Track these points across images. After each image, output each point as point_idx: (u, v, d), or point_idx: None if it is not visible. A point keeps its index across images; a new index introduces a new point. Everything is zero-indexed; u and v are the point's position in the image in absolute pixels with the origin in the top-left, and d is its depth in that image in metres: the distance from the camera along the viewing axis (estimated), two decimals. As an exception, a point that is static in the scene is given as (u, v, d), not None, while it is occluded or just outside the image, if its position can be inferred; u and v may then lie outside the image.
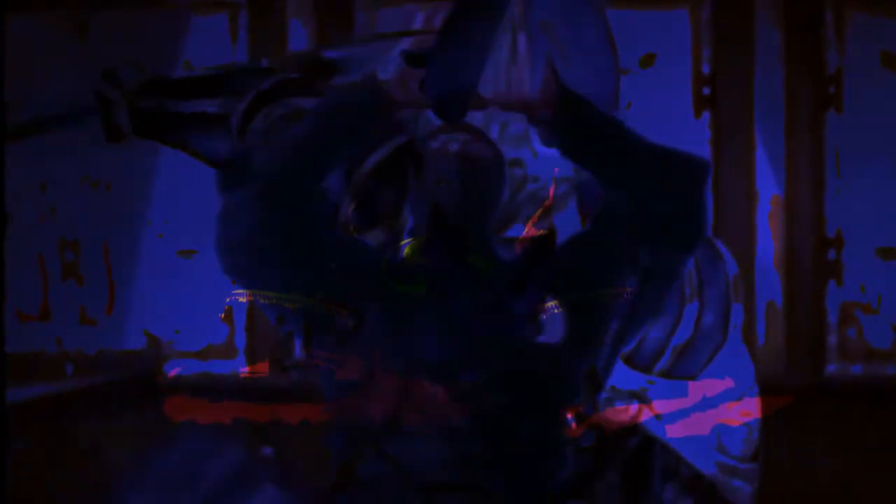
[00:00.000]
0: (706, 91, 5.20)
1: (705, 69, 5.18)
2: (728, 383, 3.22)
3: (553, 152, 3.04)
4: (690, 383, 3.17)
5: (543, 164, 3.16)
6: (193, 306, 5.09)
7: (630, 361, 3.17)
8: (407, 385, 2.70)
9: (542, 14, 2.96)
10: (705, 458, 3.18)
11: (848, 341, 5.11)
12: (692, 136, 5.06)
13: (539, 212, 3.16)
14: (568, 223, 3.14)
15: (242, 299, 3.45)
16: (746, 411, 3.21)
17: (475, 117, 3.01)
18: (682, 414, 3.20)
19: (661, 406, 3.18)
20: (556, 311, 2.73)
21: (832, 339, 5.12)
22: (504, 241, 2.97)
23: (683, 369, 3.21)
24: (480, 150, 2.78)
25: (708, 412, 3.18)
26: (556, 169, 3.19)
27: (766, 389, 5.02)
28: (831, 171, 5.15)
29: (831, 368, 5.11)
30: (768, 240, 5.15)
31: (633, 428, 3.18)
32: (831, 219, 5.18)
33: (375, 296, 2.75)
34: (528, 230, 3.14)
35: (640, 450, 3.18)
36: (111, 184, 5.19)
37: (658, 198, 2.69)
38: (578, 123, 2.76)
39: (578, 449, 3.09)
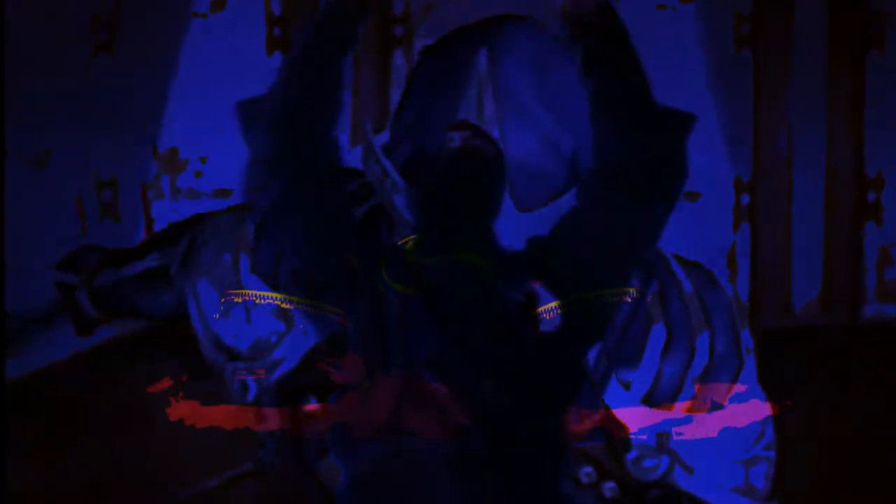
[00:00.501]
0: (745, 29, 5.17)
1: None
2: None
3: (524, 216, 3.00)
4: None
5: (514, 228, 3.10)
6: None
7: (650, 401, 3.13)
8: (407, 385, 2.71)
9: (509, 69, 2.89)
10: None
11: (886, 283, 5.11)
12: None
13: None
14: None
15: (238, 299, 3.45)
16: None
17: None
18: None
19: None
20: (556, 310, 2.73)
21: (870, 281, 5.12)
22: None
23: (708, 399, 3.18)
24: (481, 146, 2.77)
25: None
26: None
27: (804, 332, 5.05)
28: (872, 113, 5.13)
29: (869, 310, 5.11)
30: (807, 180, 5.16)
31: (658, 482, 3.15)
32: (871, 159, 5.16)
33: (374, 296, 2.76)
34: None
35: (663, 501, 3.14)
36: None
37: (649, 147, 2.71)
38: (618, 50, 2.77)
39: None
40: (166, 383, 3.35)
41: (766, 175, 5.16)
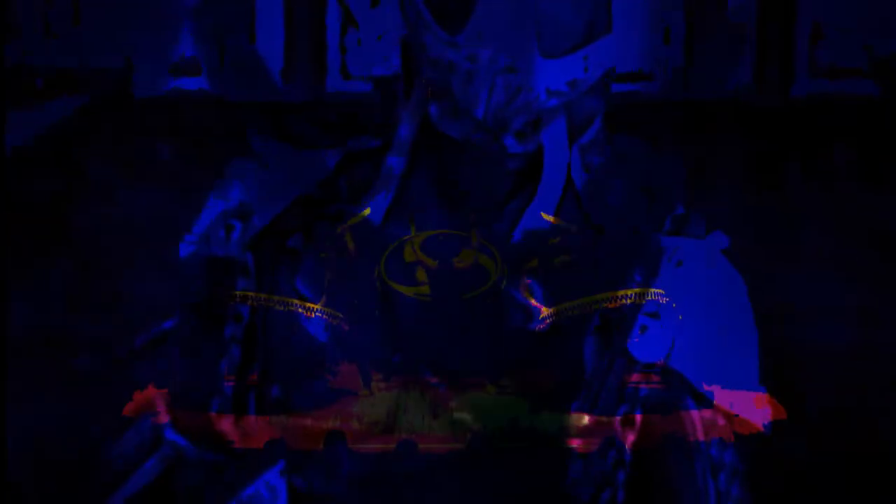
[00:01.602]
0: None
1: None
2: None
3: (550, 63, 3.00)
4: (717, 392, 3.10)
5: (539, 74, 3.09)
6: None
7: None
8: (406, 386, 2.68)
9: None
10: None
11: (817, 59, 5.11)
12: None
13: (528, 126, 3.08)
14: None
15: (230, 300, 3.34)
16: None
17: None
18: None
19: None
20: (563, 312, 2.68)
21: (802, 58, 5.12)
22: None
23: None
24: (483, 140, 2.69)
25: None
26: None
27: (738, 107, 5.07)
28: None
29: (800, 87, 5.12)
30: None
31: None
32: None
33: (372, 297, 2.70)
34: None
35: None
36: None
37: None
38: None
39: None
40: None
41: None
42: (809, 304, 4.50)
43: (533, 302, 2.84)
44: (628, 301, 2.91)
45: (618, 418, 3.02)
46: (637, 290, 2.93)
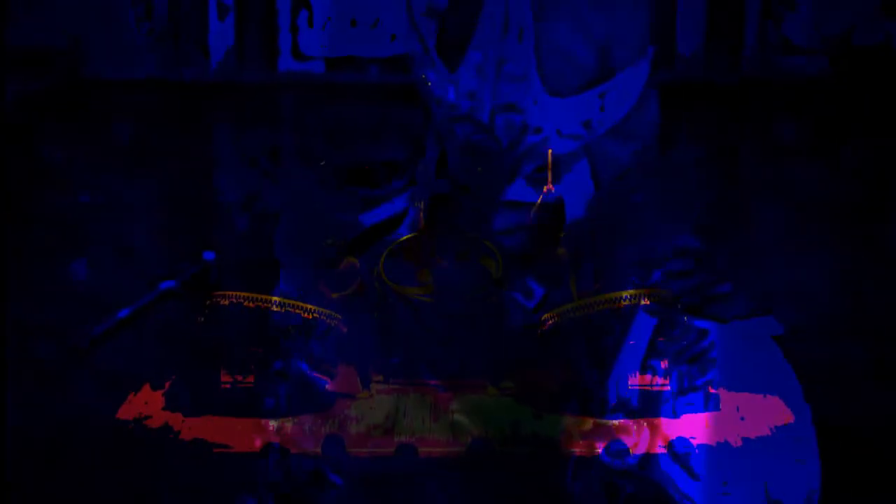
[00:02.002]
0: None
1: None
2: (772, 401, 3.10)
3: (557, 100, 2.81)
4: (722, 395, 3.04)
5: (546, 113, 2.92)
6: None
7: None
8: (406, 389, 2.61)
9: None
10: None
11: (768, 36, 5.11)
12: None
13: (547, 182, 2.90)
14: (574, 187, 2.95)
15: (224, 301, 3.27)
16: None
17: (472, 56, 2.79)
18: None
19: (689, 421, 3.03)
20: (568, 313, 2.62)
21: (751, 34, 5.13)
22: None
23: None
24: (484, 142, 2.62)
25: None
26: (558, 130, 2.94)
27: (687, 88, 5.08)
28: None
29: (750, 63, 5.12)
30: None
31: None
32: None
33: (370, 298, 2.63)
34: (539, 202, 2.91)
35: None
36: None
37: None
38: None
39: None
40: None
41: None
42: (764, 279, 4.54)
43: (533, 303, 2.79)
44: (627, 303, 2.86)
45: (622, 422, 3.00)
46: (636, 291, 2.89)
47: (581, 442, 2.94)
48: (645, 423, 3.04)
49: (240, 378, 3.22)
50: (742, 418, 3.13)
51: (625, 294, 2.88)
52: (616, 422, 3.06)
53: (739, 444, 3.09)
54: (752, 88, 4.96)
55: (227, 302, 3.27)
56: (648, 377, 3.08)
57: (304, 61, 4.56)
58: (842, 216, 4.66)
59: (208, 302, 3.28)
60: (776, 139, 4.83)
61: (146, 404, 3.20)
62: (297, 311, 3.09)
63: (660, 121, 3.51)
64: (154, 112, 4.48)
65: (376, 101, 4.02)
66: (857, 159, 4.75)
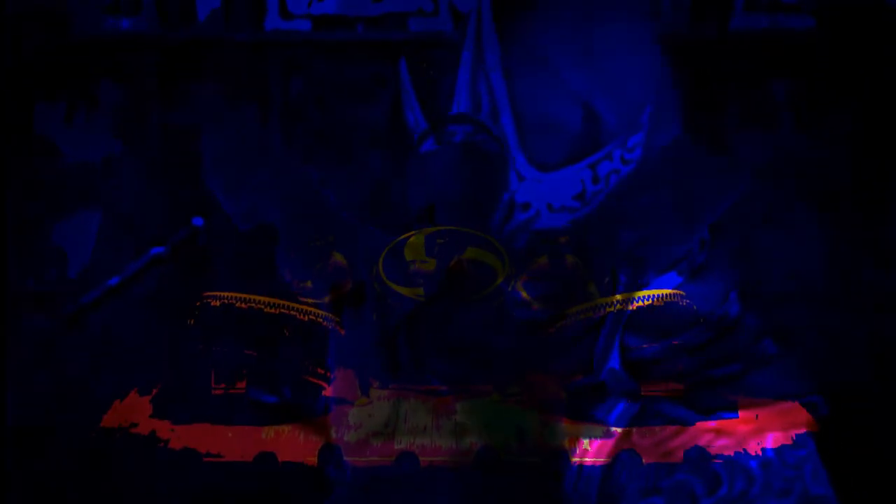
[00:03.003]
0: None
1: None
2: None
3: (543, 175, 2.70)
4: (740, 401, 2.95)
5: (533, 187, 2.80)
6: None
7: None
8: (406, 394, 2.54)
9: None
10: None
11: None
12: None
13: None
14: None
15: (215, 303, 3.18)
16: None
17: (451, 131, 2.70)
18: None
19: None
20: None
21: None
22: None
23: None
24: (484, 142, 2.58)
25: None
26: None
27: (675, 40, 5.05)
28: None
29: (738, 20, 5.10)
30: None
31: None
32: None
33: (368, 300, 2.56)
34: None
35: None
36: None
37: None
38: None
39: None
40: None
41: None
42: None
43: (540, 304, 2.75)
44: (640, 305, 2.82)
45: (635, 430, 2.99)
46: (643, 292, 2.84)
47: (590, 450, 2.89)
48: (657, 431, 3.02)
49: (231, 383, 3.18)
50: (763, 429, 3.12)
51: (637, 295, 2.85)
52: (628, 429, 3.02)
53: (759, 453, 3.07)
54: (739, 45, 4.94)
55: (217, 303, 3.23)
56: (662, 383, 3.07)
57: (290, 20, 4.54)
58: (831, 179, 4.68)
59: (198, 303, 3.26)
60: (761, 95, 4.83)
61: (133, 411, 3.16)
62: (292, 312, 3.05)
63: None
64: (139, 72, 4.46)
65: (364, 60, 4.01)
66: (847, 120, 4.76)
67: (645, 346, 2.94)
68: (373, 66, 3.86)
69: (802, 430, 3.09)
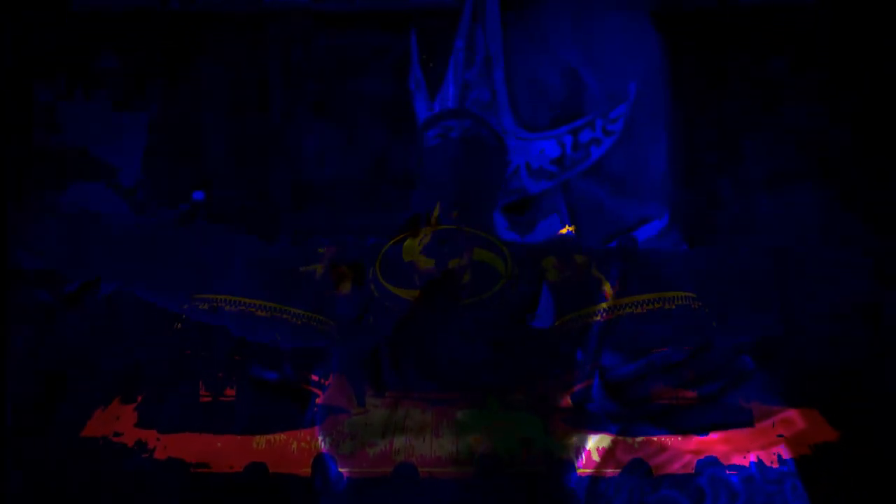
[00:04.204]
0: None
1: None
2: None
3: (526, 133, 2.68)
4: (755, 408, 2.89)
5: (515, 145, 2.76)
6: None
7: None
8: (405, 402, 2.44)
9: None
10: None
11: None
12: None
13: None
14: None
15: (203, 306, 3.07)
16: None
17: (446, 86, 2.69)
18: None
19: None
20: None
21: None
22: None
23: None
24: (484, 137, 2.54)
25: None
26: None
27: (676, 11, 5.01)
28: None
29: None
30: None
31: None
32: None
33: (368, 301, 2.48)
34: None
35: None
36: None
37: None
38: None
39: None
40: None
41: None
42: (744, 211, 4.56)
43: (546, 306, 2.72)
44: (645, 309, 2.78)
45: (644, 439, 2.91)
46: (650, 295, 2.81)
47: (599, 459, 2.84)
48: (669, 441, 3.01)
49: (220, 390, 3.12)
50: (780, 435, 3.10)
51: (643, 298, 2.83)
52: (637, 438, 2.94)
53: (776, 465, 3.07)
54: (737, 15, 4.92)
55: (206, 306, 3.20)
56: (670, 391, 3.06)
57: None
58: (831, 146, 4.68)
59: (185, 306, 3.22)
60: (761, 67, 4.82)
61: (117, 420, 3.07)
62: (285, 316, 3.00)
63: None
64: (141, 43, 4.45)
65: (363, 30, 3.99)
66: (845, 88, 4.75)
67: (621, 366, 2.94)
68: (373, 38, 3.84)
69: (782, 447, 3.09)
